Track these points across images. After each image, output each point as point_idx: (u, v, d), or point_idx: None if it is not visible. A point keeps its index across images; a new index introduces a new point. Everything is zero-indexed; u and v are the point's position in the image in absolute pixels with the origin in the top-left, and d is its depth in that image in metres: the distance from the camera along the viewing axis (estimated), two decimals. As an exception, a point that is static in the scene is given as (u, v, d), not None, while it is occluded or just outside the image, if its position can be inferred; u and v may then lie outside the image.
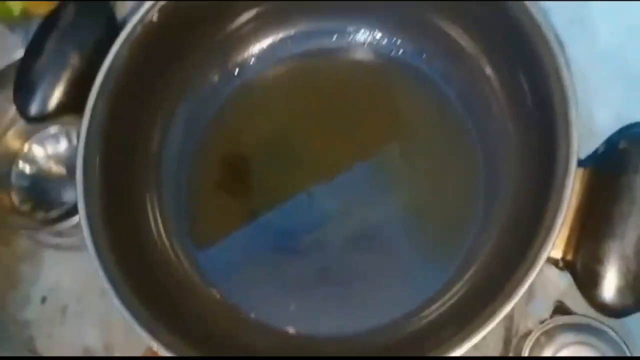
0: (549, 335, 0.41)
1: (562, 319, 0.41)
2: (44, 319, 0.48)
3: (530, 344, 0.41)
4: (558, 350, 0.40)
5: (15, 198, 0.49)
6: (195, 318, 0.41)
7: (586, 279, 0.31)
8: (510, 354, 0.43)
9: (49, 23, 0.41)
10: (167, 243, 0.44)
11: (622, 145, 0.33)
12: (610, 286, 0.31)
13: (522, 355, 0.40)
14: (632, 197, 0.31)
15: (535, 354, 0.41)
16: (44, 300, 0.48)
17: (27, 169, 0.49)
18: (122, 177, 0.42)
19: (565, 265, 0.33)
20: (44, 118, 0.42)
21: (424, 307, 0.41)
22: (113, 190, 0.40)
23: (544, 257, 0.32)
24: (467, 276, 0.41)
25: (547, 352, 0.40)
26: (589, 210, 0.33)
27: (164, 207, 0.45)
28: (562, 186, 0.33)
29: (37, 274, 0.49)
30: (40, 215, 0.47)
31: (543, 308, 0.43)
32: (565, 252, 0.33)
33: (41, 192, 0.48)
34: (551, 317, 0.43)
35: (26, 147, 0.49)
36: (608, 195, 0.32)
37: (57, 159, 0.49)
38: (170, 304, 0.41)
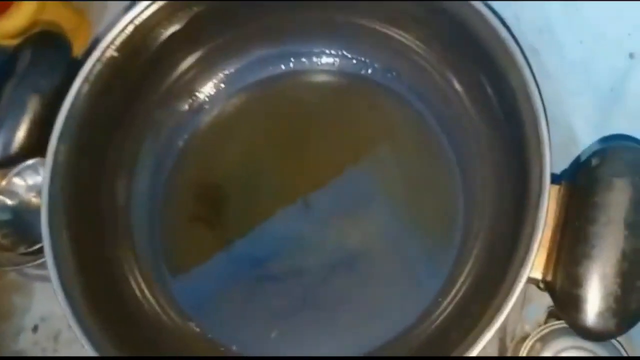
0: (544, 341, 0.40)
1: (556, 324, 0.40)
2: (37, 348, 0.48)
3: (526, 350, 0.40)
4: (555, 356, 0.40)
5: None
6: (174, 355, 0.41)
7: (566, 302, 0.31)
8: None
9: (6, 68, 0.40)
10: (142, 282, 0.43)
11: (594, 162, 0.32)
12: (591, 310, 0.30)
13: None
14: (608, 217, 0.30)
15: None
16: (35, 329, 0.48)
17: (7, 201, 0.48)
18: (90, 220, 0.41)
19: (546, 286, 0.32)
20: (7, 162, 0.41)
21: (410, 329, 0.40)
22: (82, 235, 0.39)
23: (522, 280, 0.32)
24: (450, 296, 0.40)
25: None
26: (566, 230, 0.32)
27: (137, 245, 0.44)
28: (537, 205, 0.32)
29: (28, 303, 0.49)
30: (22, 248, 0.46)
31: (540, 311, 0.43)
32: (544, 273, 0.32)
33: (23, 225, 0.47)
34: (545, 322, 0.42)
35: (6, 180, 0.48)
36: (583, 215, 0.31)
37: (37, 189, 0.48)
38: (148, 343, 0.40)
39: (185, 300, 0.43)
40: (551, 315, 0.43)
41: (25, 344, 0.48)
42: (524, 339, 0.42)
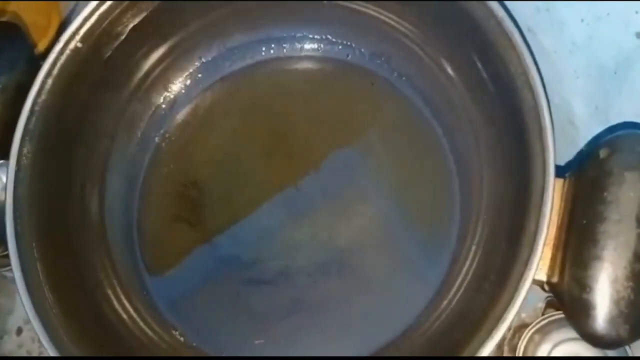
0: (543, 332, 0.39)
1: (555, 315, 0.39)
2: (22, 351, 0.47)
3: (524, 342, 0.39)
4: (553, 348, 0.39)
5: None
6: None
7: (574, 308, 0.29)
8: (505, 353, 0.41)
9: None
10: (119, 290, 0.40)
11: (603, 154, 0.29)
12: (601, 316, 0.28)
13: (517, 352, 0.39)
14: (619, 214, 0.28)
15: (530, 353, 0.39)
16: (19, 331, 0.47)
17: None
18: (60, 225, 0.38)
19: (551, 288, 0.30)
20: (-34, 167, 0.38)
21: (405, 334, 0.39)
22: (52, 242, 0.37)
23: (527, 283, 0.29)
24: (450, 296, 0.38)
25: (542, 350, 0.39)
26: (572, 227, 0.30)
27: (113, 250, 0.41)
28: (541, 202, 0.30)
29: (11, 306, 0.48)
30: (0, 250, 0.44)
31: (537, 299, 0.41)
32: (549, 275, 0.30)
33: None
34: (543, 313, 0.41)
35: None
36: (590, 212, 0.29)
37: None
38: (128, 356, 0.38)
39: (168, 307, 0.41)
40: (550, 305, 0.41)
41: (10, 346, 0.47)
42: (520, 327, 0.41)
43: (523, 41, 0.32)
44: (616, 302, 0.27)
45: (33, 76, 0.37)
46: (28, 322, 0.45)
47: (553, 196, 0.30)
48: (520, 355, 0.39)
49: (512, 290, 0.30)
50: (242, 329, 0.41)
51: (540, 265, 0.30)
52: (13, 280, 0.46)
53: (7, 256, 0.42)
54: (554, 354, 0.39)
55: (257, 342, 0.40)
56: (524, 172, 0.32)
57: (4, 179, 0.44)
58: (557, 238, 0.30)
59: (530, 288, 0.40)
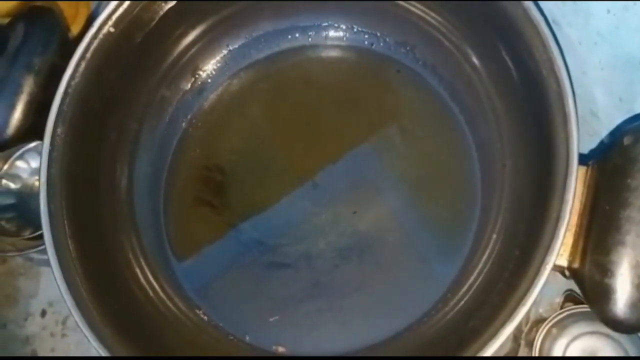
0: (561, 326, 0.39)
1: (574, 309, 0.39)
2: (46, 333, 0.47)
3: (542, 335, 0.39)
4: (571, 342, 0.39)
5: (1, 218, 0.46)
6: (181, 344, 0.39)
7: (595, 292, 0.29)
8: (522, 346, 0.42)
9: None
10: (146, 268, 0.41)
11: (627, 140, 0.30)
12: (622, 300, 0.28)
13: (534, 346, 0.39)
14: (643, 200, 0.28)
15: (547, 346, 0.39)
16: (43, 313, 0.48)
17: (10, 185, 0.46)
18: (92, 205, 0.39)
19: (572, 274, 0.31)
20: (2, 147, 0.39)
21: (423, 318, 0.39)
22: (83, 222, 0.37)
23: (548, 267, 0.30)
24: (467, 285, 0.38)
25: (560, 344, 0.39)
26: (595, 214, 0.30)
27: (140, 229, 0.42)
28: (564, 188, 0.30)
29: (35, 288, 0.48)
30: (27, 233, 0.45)
31: (555, 294, 0.41)
32: (570, 260, 0.30)
33: (27, 209, 0.46)
34: (562, 307, 0.41)
35: (8, 163, 0.47)
36: (613, 198, 0.29)
37: None
38: (154, 331, 0.39)
39: (191, 286, 0.42)
40: (568, 299, 0.41)
41: (34, 328, 0.47)
42: (537, 322, 0.41)
43: (549, 29, 0.32)
44: (637, 287, 0.28)
45: (66, 59, 0.37)
46: (52, 304, 0.48)
47: (576, 182, 0.30)
48: (537, 349, 0.39)
49: (533, 275, 0.30)
50: (264, 310, 0.41)
51: (561, 251, 0.30)
52: (39, 262, 0.48)
53: (34, 238, 0.44)
54: (572, 347, 0.39)
55: (282, 322, 0.40)
56: (547, 159, 0.32)
57: (33, 165, 0.46)
58: (579, 225, 0.31)
59: (549, 279, 0.40)
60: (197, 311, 0.42)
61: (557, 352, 0.39)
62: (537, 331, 0.40)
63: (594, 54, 0.40)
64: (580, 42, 0.40)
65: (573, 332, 0.39)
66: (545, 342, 0.39)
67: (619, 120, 0.39)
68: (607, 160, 0.31)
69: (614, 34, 0.37)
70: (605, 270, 0.28)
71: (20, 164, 0.46)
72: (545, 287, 0.40)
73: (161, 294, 0.41)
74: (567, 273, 0.31)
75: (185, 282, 0.42)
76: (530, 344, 0.40)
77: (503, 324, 0.30)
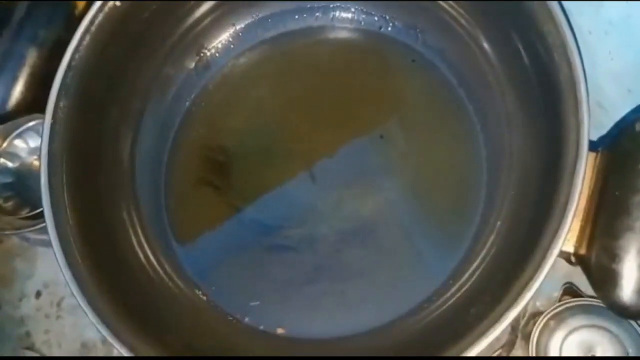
0: (559, 318, 0.39)
1: (571, 302, 0.39)
2: (40, 314, 0.47)
3: (539, 327, 0.39)
4: (569, 335, 0.39)
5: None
6: (180, 324, 0.39)
7: (601, 277, 0.29)
8: (519, 339, 0.41)
9: (1, 19, 0.38)
10: (147, 247, 0.41)
11: (639, 126, 0.29)
12: (628, 286, 0.28)
13: (531, 338, 0.39)
14: (652, 186, 0.28)
15: (544, 339, 0.39)
16: (38, 294, 0.48)
17: (8, 164, 0.46)
18: (93, 181, 0.39)
19: (578, 260, 0.30)
20: (4, 119, 0.39)
21: (424, 305, 0.39)
22: (84, 198, 0.37)
23: (554, 253, 0.29)
24: (470, 270, 0.38)
25: (557, 337, 0.39)
26: (603, 200, 0.30)
27: (141, 208, 0.42)
28: (573, 173, 0.30)
29: (31, 269, 0.48)
30: (24, 212, 0.45)
31: (553, 287, 0.41)
32: (577, 246, 0.30)
33: (25, 188, 0.46)
34: (560, 299, 0.41)
35: (6, 142, 0.47)
36: (624, 183, 0.29)
37: (39, 152, 0.46)
38: (154, 311, 0.38)
39: (192, 267, 0.42)
40: (566, 292, 0.41)
41: (28, 309, 0.47)
42: (534, 315, 0.41)
43: (562, 12, 0.32)
44: (645, 273, 0.27)
45: (71, 33, 0.37)
46: (47, 286, 0.48)
47: (585, 167, 0.30)
48: (535, 341, 0.39)
49: (539, 260, 0.30)
50: (264, 292, 0.41)
51: (568, 237, 0.30)
52: (35, 242, 0.47)
53: (31, 217, 0.44)
54: (569, 340, 0.39)
55: (283, 305, 0.40)
56: (556, 143, 0.32)
57: (32, 144, 0.45)
58: (587, 211, 0.30)
59: (548, 273, 0.40)
60: (197, 291, 0.41)
61: (554, 344, 0.39)
62: (534, 324, 0.39)
63: (605, 44, 0.39)
64: (591, 31, 0.40)
65: (570, 325, 0.39)
66: (543, 335, 0.39)
67: (625, 111, 0.39)
68: (617, 146, 0.31)
69: (625, 22, 0.37)
70: (613, 255, 0.28)
71: (18, 142, 0.46)
72: (544, 280, 0.41)
73: (161, 272, 0.41)
74: (572, 259, 0.31)
75: (186, 262, 0.42)
76: (527, 337, 0.40)
77: (507, 308, 0.29)
